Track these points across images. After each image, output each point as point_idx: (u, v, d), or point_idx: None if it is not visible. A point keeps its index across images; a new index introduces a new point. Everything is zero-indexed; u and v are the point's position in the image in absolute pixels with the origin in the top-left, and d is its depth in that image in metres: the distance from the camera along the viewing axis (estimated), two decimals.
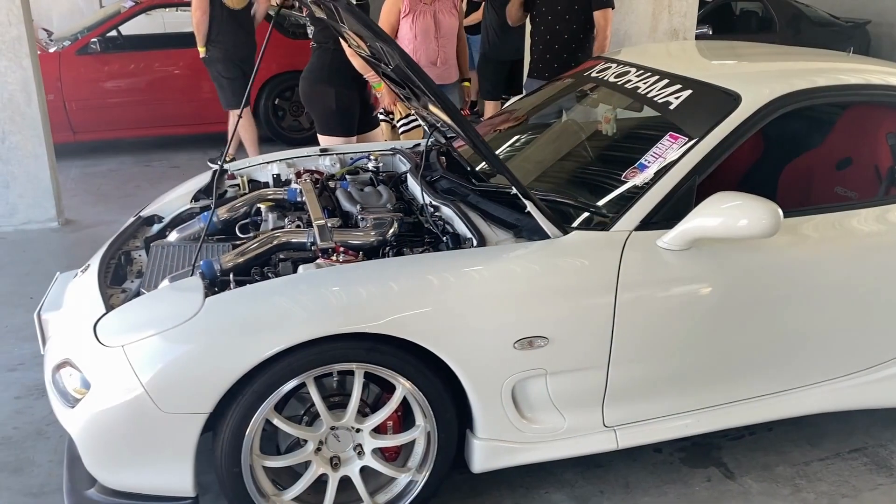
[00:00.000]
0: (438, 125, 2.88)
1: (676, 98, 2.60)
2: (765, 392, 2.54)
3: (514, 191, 2.28)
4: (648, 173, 2.40)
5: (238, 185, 3.29)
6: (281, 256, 2.42)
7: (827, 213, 2.52)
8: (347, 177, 3.22)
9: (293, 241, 2.50)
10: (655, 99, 2.66)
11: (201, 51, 5.82)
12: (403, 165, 3.35)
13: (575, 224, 2.37)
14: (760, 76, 2.67)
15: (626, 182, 2.44)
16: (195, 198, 3.14)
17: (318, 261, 2.34)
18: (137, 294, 2.48)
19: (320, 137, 4.45)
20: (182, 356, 2.01)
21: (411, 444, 2.29)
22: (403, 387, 2.17)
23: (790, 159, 3.15)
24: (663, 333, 2.34)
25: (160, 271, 2.55)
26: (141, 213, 3.13)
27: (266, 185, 3.29)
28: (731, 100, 2.48)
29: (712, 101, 2.52)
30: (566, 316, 2.22)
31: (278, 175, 3.31)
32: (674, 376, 2.41)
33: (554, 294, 2.22)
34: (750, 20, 9.41)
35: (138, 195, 5.65)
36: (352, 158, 3.46)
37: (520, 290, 2.19)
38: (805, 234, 2.47)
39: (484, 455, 2.29)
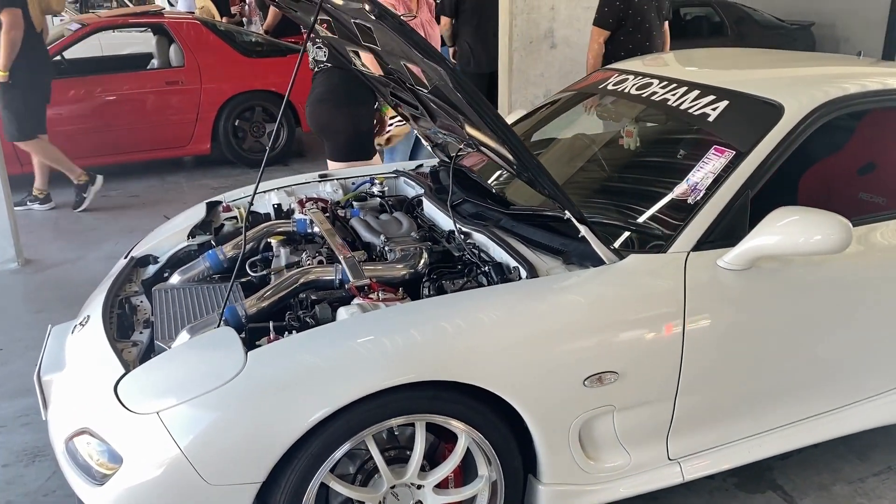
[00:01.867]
0: (465, 143, 2.70)
1: (713, 109, 2.49)
2: (824, 410, 2.44)
3: (567, 215, 2.13)
4: (699, 190, 2.28)
5: (235, 217, 3.06)
6: (313, 297, 2.21)
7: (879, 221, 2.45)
8: (355, 203, 3.03)
9: (321, 279, 2.31)
10: (690, 111, 2.54)
11: (3, 75, 5.18)
12: (409, 188, 3.17)
13: (616, 244, 2.23)
14: (799, 84, 2.57)
15: (676, 200, 2.31)
16: (191, 234, 2.90)
17: (357, 301, 2.15)
18: (151, 347, 2.25)
19: (334, 164, 3.95)
20: (230, 421, 1.78)
21: (472, 497, 2.11)
22: (467, 435, 1.99)
23: (809, 165, 3.09)
24: (729, 357, 2.22)
25: (171, 319, 2.33)
26: (132, 254, 2.87)
27: (267, 216, 3.06)
28: (773, 110, 2.38)
29: (754, 111, 2.42)
30: (635, 347, 2.08)
31: (279, 205, 3.08)
32: (737, 401, 2.30)
33: (621, 325, 2.07)
34: (700, 25, 9.50)
35: (100, 228, 5.32)
36: (354, 183, 3.26)
37: (585, 322, 2.04)
38: (866, 246, 2.38)
39: (549, 501, 2.12)
